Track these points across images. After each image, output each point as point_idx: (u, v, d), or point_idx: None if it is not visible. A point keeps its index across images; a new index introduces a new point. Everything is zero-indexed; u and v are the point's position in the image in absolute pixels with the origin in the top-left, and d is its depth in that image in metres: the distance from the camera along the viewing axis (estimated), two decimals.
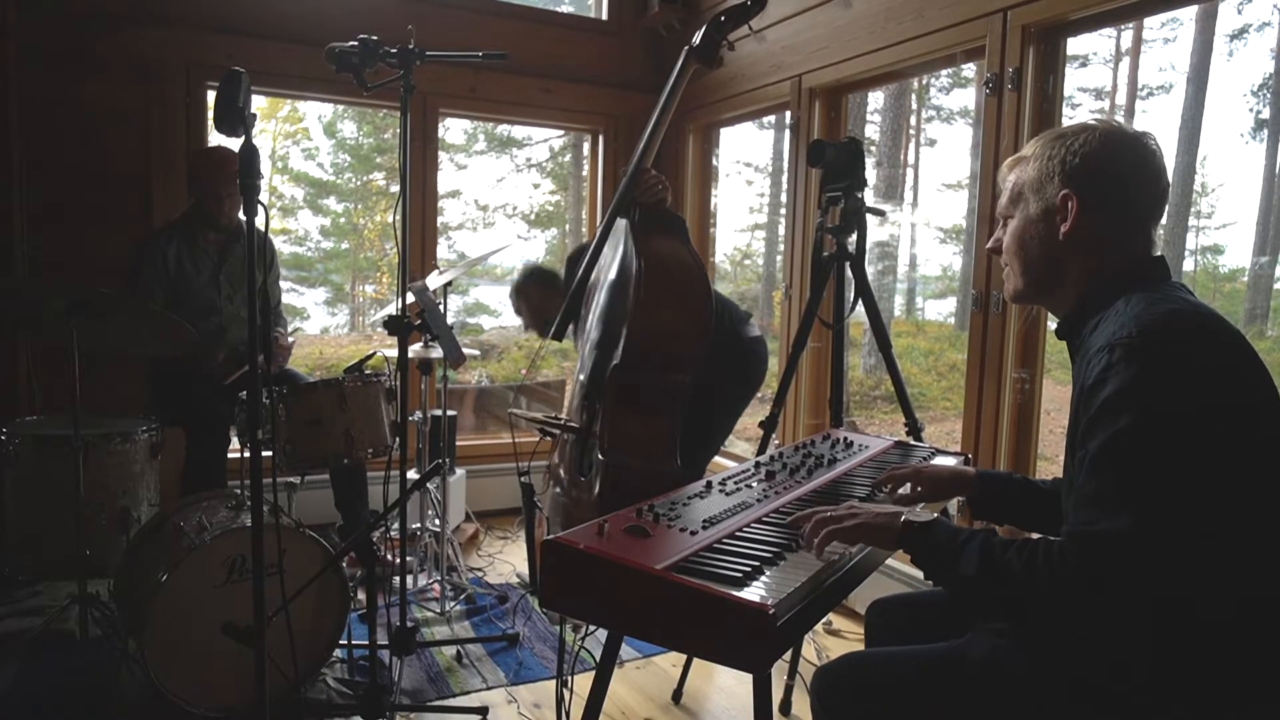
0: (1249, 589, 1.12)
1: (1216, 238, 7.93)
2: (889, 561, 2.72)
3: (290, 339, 3.32)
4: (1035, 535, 1.20)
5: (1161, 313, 1.17)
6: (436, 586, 3.22)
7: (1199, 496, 1.07)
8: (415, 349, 3.03)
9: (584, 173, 7.62)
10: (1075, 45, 8.92)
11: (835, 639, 2.99)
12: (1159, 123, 8.71)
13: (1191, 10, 7.35)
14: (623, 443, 2.25)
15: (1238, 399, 1.12)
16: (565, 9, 6.13)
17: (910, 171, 10.06)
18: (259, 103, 7.90)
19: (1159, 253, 1.33)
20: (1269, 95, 7.38)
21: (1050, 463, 4.20)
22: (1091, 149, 1.28)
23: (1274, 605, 1.13)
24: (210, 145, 3.54)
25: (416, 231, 4.16)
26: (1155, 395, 1.10)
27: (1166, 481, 1.07)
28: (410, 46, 2.26)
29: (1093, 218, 1.28)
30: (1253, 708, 1.12)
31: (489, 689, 2.57)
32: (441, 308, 3.06)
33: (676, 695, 2.54)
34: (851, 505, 1.37)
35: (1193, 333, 1.16)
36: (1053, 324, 1.49)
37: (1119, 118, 9.09)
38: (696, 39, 2.44)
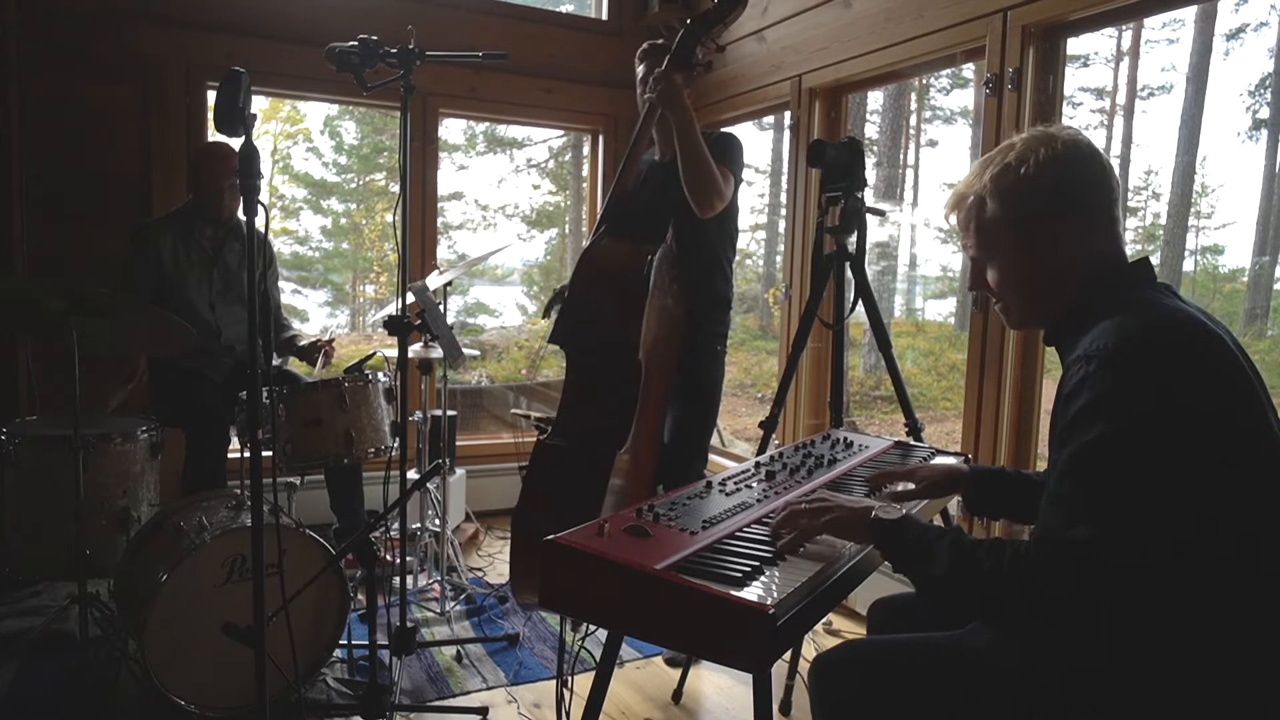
0: (1230, 595, 1.12)
1: (1216, 238, 7.93)
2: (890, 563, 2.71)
3: (329, 336, 3.26)
4: (1006, 536, 1.20)
5: (1139, 324, 1.17)
6: (436, 586, 3.22)
7: (1161, 509, 1.08)
8: (415, 349, 3.03)
9: (584, 173, 7.62)
10: (1075, 45, 8.93)
11: (835, 639, 2.99)
12: (1159, 123, 8.72)
13: (1191, 10, 7.36)
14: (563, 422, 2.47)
15: (1211, 411, 1.12)
16: (565, 9, 6.13)
17: (910, 171, 10.06)
18: (259, 103, 7.91)
19: (1131, 238, 1.34)
20: (1267, 95, 7.38)
21: None
22: (1044, 170, 1.28)
23: (1257, 609, 1.13)
24: (211, 141, 3.53)
25: (416, 231, 4.16)
26: (1123, 409, 1.11)
27: (1127, 495, 1.08)
28: (410, 46, 2.26)
29: (1071, 231, 1.29)
30: (1273, 708, 1.13)
31: (489, 689, 2.57)
32: (441, 308, 3.06)
33: (676, 695, 2.54)
34: (823, 498, 1.38)
35: (1168, 345, 1.15)
36: None
37: (1120, 116, 9.11)
38: (671, 48, 2.48)
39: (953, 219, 1.41)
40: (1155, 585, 1.09)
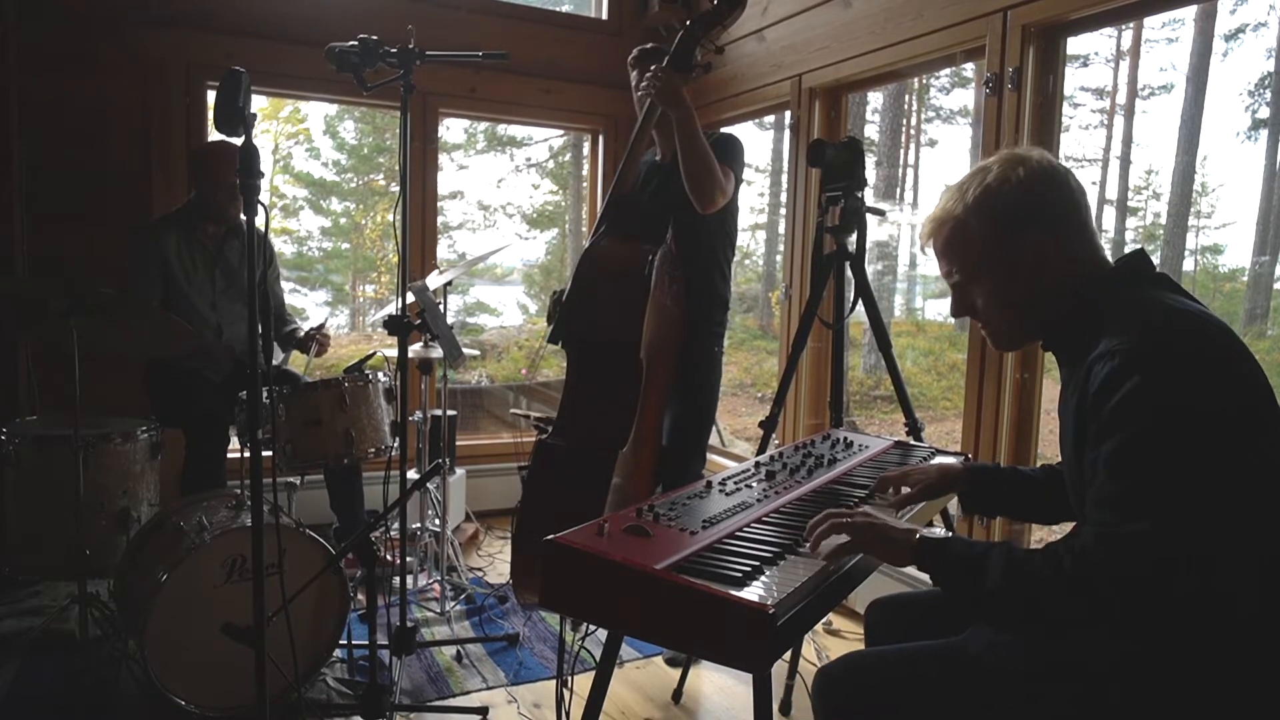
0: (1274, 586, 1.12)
1: (1216, 238, 7.93)
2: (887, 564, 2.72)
3: (323, 324, 3.25)
4: (1007, 534, 1.20)
5: (1153, 318, 1.19)
6: (436, 586, 3.22)
7: (1214, 496, 1.08)
8: (415, 349, 3.03)
9: (584, 173, 7.62)
10: (1075, 45, 8.92)
11: (835, 639, 2.99)
12: (1159, 123, 8.71)
13: (1191, 10, 7.35)
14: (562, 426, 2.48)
15: (1240, 397, 1.14)
16: (565, 9, 6.13)
17: (910, 171, 10.06)
18: (260, 103, 7.91)
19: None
20: (1267, 95, 7.37)
21: (1050, 463, 4.19)
22: (1024, 187, 1.30)
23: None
24: (216, 140, 3.52)
25: (416, 231, 4.16)
26: (1163, 398, 1.11)
27: (1181, 483, 1.08)
28: (410, 46, 2.26)
29: (1055, 246, 1.30)
30: None
31: (489, 689, 2.57)
32: (441, 307, 3.06)
33: (676, 695, 2.54)
34: (868, 515, 1.34)
35: (1191, 335, 1.17)
36: None
37: (1120, 116, 9.11)
38: (670, 49, 2.48)
39: (929, 248, 1.42)
40: (1217, 577, 1.08)
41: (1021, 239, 1.31)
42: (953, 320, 9.93)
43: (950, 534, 1.28)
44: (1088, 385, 1.20)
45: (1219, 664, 1.13)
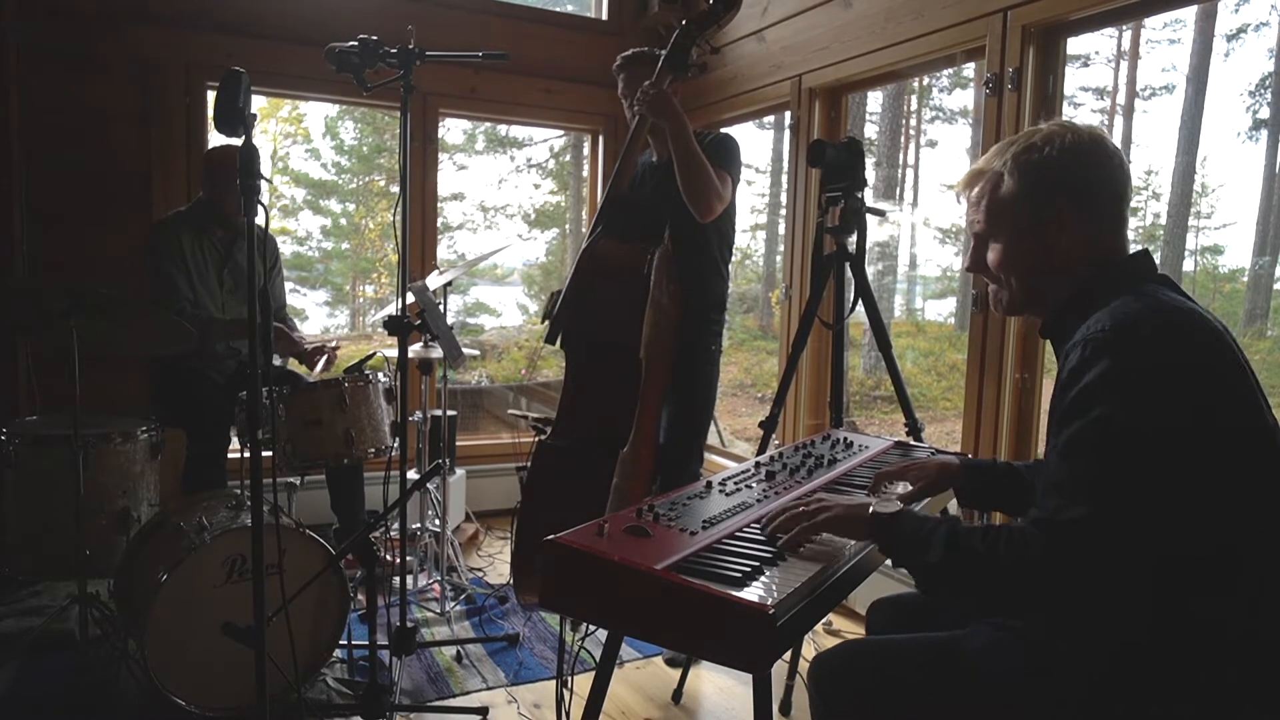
0: (1224, 587, 1.12)
1: (1216, 238, 7.92)
2: (889, 561, 2.72)
3: (333, 343, 3.26)
4: (999, 525, 1.20)
5: (1135, 310, 1.18)
6: (436, 586, 3.22)
7: (1159, 491, 1.08)
8: (415, 349, 3.03)
9: (584, 173, 7.62)
10: (1075, 45, 8.92)
11: (835, 639, 2.99)
12: (1159, 123, 8.71)
13: (1192, 10, 7.35)
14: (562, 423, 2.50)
15: (1204, 397, 1.12)
16: (565, 9, 6.13)
17: (910, 171, 10.06)
18: (259, 103, 7.90)
19: (1131, 238, 1.34)
20: (1267, 95, 7.37)
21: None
22: (1068, 154, 1.29)
23: (1251, 601, 1.13)
24: (226, 145, 3.51)
25: (416, 232, 4.16)
26: (1122, 391, 1.11)
27: (1125, 476, 1.08)
28: (410, 46, 2.27)
29: (1081, 221, 1.29)
30: (1249, 708, 1.12)
31: (489, 689, 2.57)
32: (441, 308, 3.06)
33: (676, 695, 2.54)
34: (820, 498, 1.39)
35: (1163, 330, 1.16)
36: None
37: (1120, 116, 9.11)
38: (665, 50, 2.48)
39: (963, 199, 1.41)
40: (1152, 571, 1.08)
41: (1049, 205, 1.30)
42: (953, 320, 9.93)
43: (901, 508, 1.30)
44: (1061, 371, 1.21)
45: (1214, 667, 1.13)
